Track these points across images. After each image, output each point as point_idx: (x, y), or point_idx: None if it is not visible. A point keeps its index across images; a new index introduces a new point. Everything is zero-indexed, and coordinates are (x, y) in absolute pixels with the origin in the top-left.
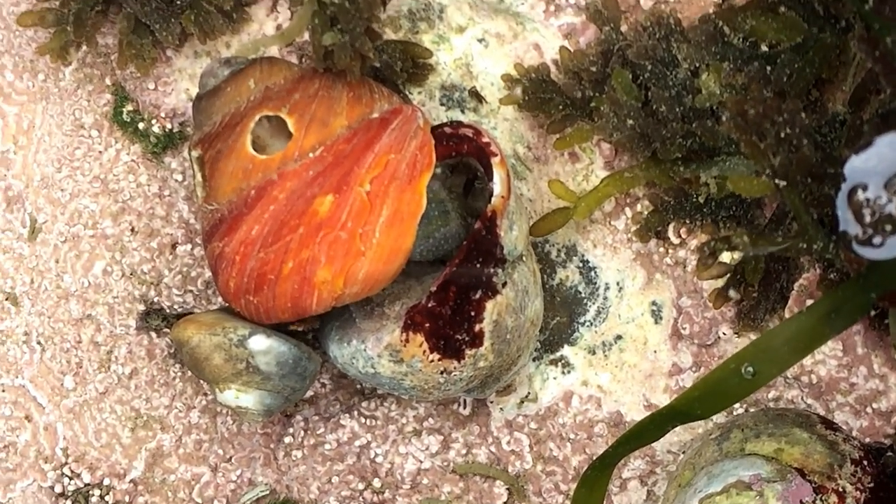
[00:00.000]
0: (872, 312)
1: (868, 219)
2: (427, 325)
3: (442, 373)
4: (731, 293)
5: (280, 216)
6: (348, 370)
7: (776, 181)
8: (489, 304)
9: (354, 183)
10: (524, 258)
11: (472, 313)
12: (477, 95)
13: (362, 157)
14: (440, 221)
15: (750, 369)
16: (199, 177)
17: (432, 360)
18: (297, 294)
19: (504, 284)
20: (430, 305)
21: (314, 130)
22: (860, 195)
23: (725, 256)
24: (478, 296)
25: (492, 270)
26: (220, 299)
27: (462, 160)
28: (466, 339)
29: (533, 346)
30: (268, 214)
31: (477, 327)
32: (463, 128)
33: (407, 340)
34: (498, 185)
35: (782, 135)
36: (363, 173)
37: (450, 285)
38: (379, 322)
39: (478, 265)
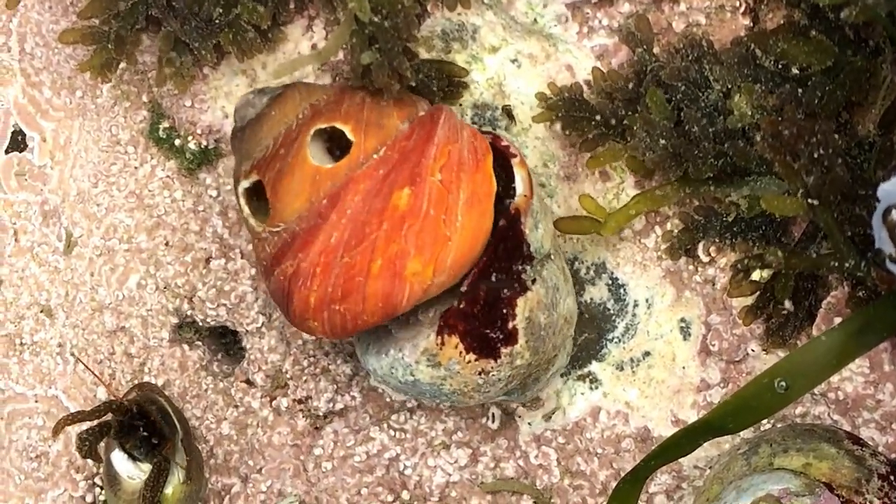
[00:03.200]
0: None
1: None
2: (461, 326)
3: (480, 373)
4: (787, 304)
5: (360, 217)
6: (389, 381)
7: (809, 200)
8: (520, 301)
9: (426, 174)
10: (552, 257)
11: (504, 311)
12: (509, 114)
13: (426, 150)
14: None
15: (783, 384)
16: (246, 210)
17: (469, 361)
18: (388, 291)
19: (534, 281)
20: (461, 307)
21: (372, 133)
22: (895, 215)
23: (756, 275)
24: (508, 293)
25: (520, 268)
26: (252, 312)
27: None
28: (501, 337)
29: (570, 347)
30: (346, 219)
31: (510, 325)
32: (484, 133)
33: (443, 343)
34: (520, 185)
35: (815, 155)
36: (432, 164)
37: (479, 284)
38: (414, 329)
39: (505, 263)
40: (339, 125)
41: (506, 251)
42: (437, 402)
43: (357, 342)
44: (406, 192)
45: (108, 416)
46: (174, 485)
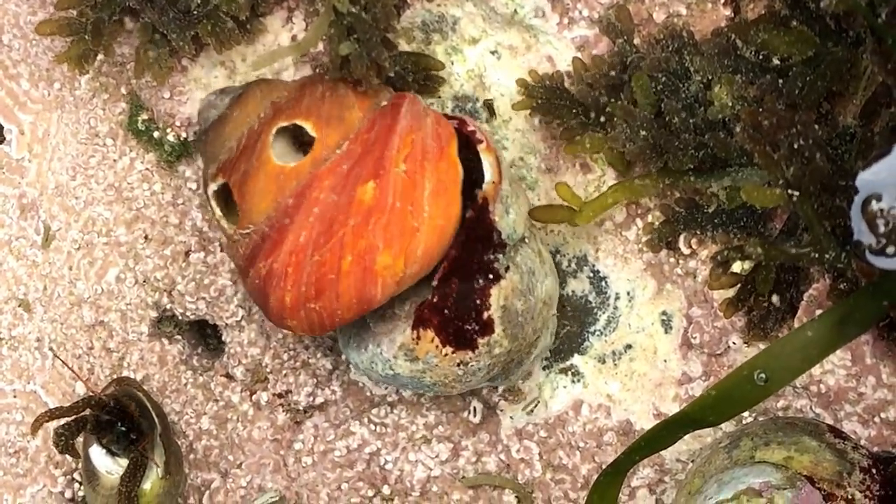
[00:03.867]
0: (881, 323)
1: (882, 229)
2: (435, 320)
3: (459, 364)
4: (774, 299)
5: (327, 214)
6: (371, 375)
7: (789, 192)
8: (494, 291)
9: (390, 165)
10: (527, 240)
11: (478, 302)
12: (490, 108)
13: (389, 141)
14: None
15: (763, 376)
16: (218, 211)
17: (446, 354)
18: (360, 286)
19: (507, 269)
20: (434, 300)
21: (334, 127)
22: (874, 205)
23: (736, 266)
24: (481, 284)
25: (492, 257)
26: (232, 305)
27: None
28: (476, 328)
29: (553, 326)
30: (313, 217)
31: (485, 315)
32: (448, 119)
33: (418, 338)
34: (488, 172)
35: (796, 146)
36: (395, 155)
37: (450, 277)
38: (391, 323)
39: (476, 254)
40: (300, 122)
41: (476, 242)
42: (422, 393)
43: (339, 335)
44: (371, 186)
45: (86, 412)
46: (153, 480)
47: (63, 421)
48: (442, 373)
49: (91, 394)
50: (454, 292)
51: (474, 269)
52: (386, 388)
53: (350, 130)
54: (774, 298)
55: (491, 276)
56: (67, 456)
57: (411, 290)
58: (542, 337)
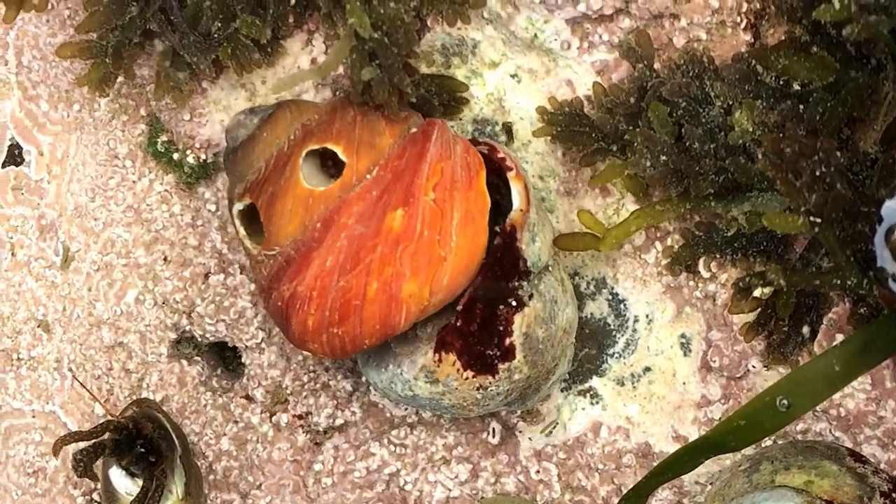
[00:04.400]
0: None
1: None
2: (458, 343)
3: (478, 389)
4: (805, 329)
5: (354, 240)
6: (389, 395)
7: (811, 219)
8: (517, 318)
9: (419, 193)
10: (550, 268)
11: (501, 328)
12: (509, 131)
13: (419, 169)
14: None
15: (785, 402)
16: (242, 231)
17: (467, 378)
18: (385, 313)
19: (531, 297)
20: (458, 324)
21: (364, 153)
22: None
23: (756, 291)
24: (505, 310)
25: (516, 284)
26: (252, 328)
27: (487, 180)
28: (498, 353)
29: (570, 354)
30: (340, 242)
31: (507, 341)
32: (478, 145)
33: (440, 361)
34: (516, 199)
35: (817, 173)
36: (424, 183)
37: (475, 302)
38: (413, 345)
39: (501, 280)
40: (331, 146)
41: (502, 268)
42: (438, 413)
43: (359, 354)
44: (399, 214)
45: (105, 436)
46: (173, 501)
47: (82, 445)
48: (461, 396)
49: (110, 417)
50: (478, 317)
51: (499, 295)
52: (406, 409)
53: (380, 156)
54: (805, 329)
55: (515, 303)
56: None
57: (434, 314)
58: (560, 364)
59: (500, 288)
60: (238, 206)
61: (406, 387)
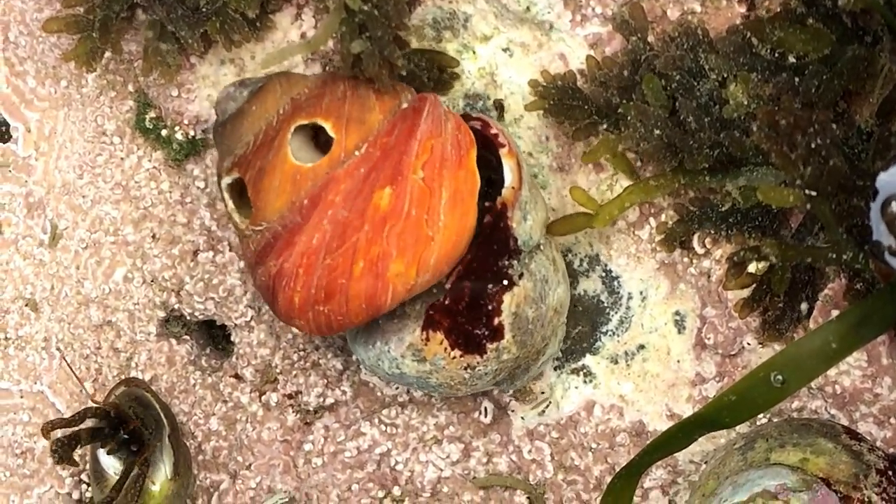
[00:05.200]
0: None
1: None
2: (446, 322)
3: (466, 368)
4: (803, 306)
5: (341, 218)
6: (376, 372)
7: (806, 192)
8: (506, 297)
9: (408, 172)
10: (542, 247)
11: (490, 307)
12: (500, 107)
13: (408, 146)
14: None
15: (779, 378)
16: (230, 204)
17: (454, 357)
18: (371, 292)
19: (521, 276)
20: (446, 303)
21: (354, 129)
22: (894, 207)
23: (751, 267)
24: (494, 289)
25: (506, 263)
26: (241, 306)
27: (480, 155)
28: (486, 333)
29: (561, 334)
30: (327, 220)
31: (496, 321)
32: (471, 120)
33: (427, 339)
34: (508, 176)
35: (813, 146)
36: (413, 161)
37: (464, 281)
38: (401, 322)
39: (491, 258)
40: (320, 121)
41: (491, 247)
42: (427, 392)
43: (347, 331)
44: (387, 192)
45: (88, 423)
46: (161, 481)
47: (59, 434)
48: (448, 375)
49: (92, 402)
50: (466, 296)
51: (488, 273)
52: (396, 389)
53: (370, 133)
54: (803, 306)
55: (505, 282)
56: (75, 456)
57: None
58: (551, 344)
59: (489, 266)
60: (227, 180)
61: (393, 364)
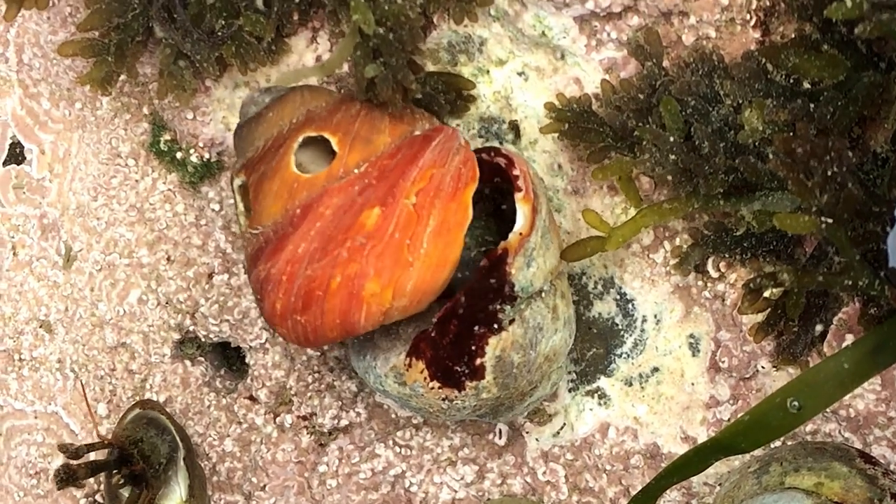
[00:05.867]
0: None
1: None
2: (429, 353)
3: (444, 399)
4: (818, 329)
5: (327, 231)
6: (365, 380)
7: (822, 219)
8: (492, 340)
9: (400, 196)
10: (544, 294)
11: (473, 348)
12: (516, 129)
13: (407, 171)
14: None
15: (795, 403)
16: (241, 206)
17: (433, 388)
18: (345, 309)
19: (511, 321)
20: (432, 335)
21: (358, 148)
22: None
23: (766, 291)
24: (480, 331)
25: (498, 307)
26: (256, 328)
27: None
28: (467, 371)
29: (557, 377)
30: (314, 231)
31: (478, 361)
32: (498, 156)
33: (410, 365)
34: (520, 221)
35: (829, 173)
36: (409, 186)
37: (451, 318)
38: (392, 342)
39: (482, 301)
40: (327, 135)
41: (484, 290)
42: (409, 410)
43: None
44: (375, 212)
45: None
46: (177, 502)
47: (63, 461)
48: (427, 402)
49: (98, 437)
50: (452, 333)
51: (476, 315)
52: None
53: (373, 153)
54: (818, 329)
55: (494, 326)
56: (91, 478)
57: (419, 315)
58: (541, 387)
59: (478, 309)
60: (237, 182)
61: (377, 381)
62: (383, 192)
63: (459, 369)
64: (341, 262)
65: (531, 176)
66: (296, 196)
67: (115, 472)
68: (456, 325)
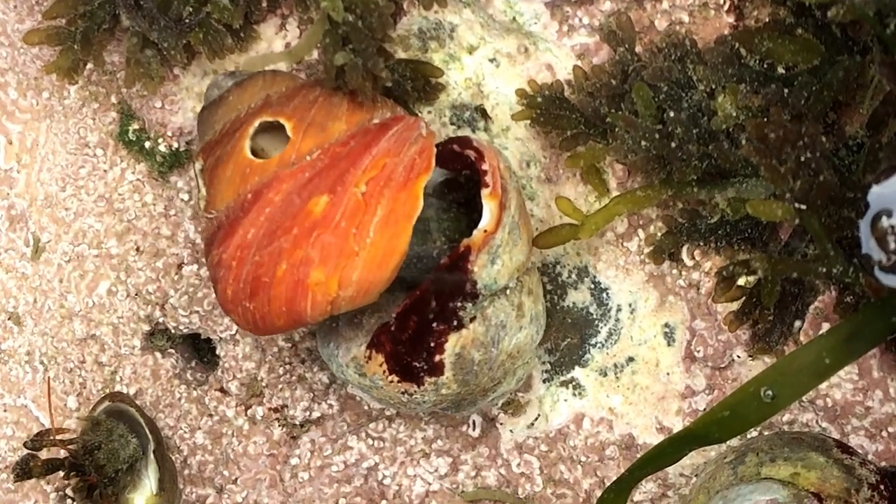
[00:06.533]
0: (890, 336)
1: (893, 245)
2: (388, 347)
3: (403, 393)
4: (798, 325)
5: (275, 218)
6: (330, 368)
7: (796, 205)
8: (452, 337)
9: (350, 184)
10: (508, 291)
11: (432, 344)
12: (483, 113)
13: (359, 160)
14: (417, 240)
15: (769, 393)
16: (202, 191)
17: (391, 381)
18: (291, 297)
19: (472, 319)
20: (392, 329)
21: (312, 134)
22: (885, 222)
23: (741, 280)
24: (439, 328)
25: (458, 304)
26: (226, 320)
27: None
28: (425, 367)
29: (522, 373)
30: (263, 217)
31: (437, 358)
32: (468, 149)
33: (370, 358)
34: (486, 218)
35: (802, 159)
36: (359, 175)
37: (411, 314)
38: (353, 332)
39: (442, 298)
40: (282, 120)
41: (444, 287)
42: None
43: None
44: (323, 200)
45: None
46: (146, 497)
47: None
48: (387, 394)
49: (56, 437)
50: (411, 329)
51: (436, 312)
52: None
53: (327, 140)
54: (797, 324)
55: (453, 323)
56: (59, 472)
57: (383, 304)
58: (505, 383)
59: (438, 306)
60: (198, 165)
61: (339, 370)
62: (333, 179)
63: (418, 365)
64: (287, 248)
65: (501, 170)
66: (248, 181)
67: (68, 477)
68: (416, 321)
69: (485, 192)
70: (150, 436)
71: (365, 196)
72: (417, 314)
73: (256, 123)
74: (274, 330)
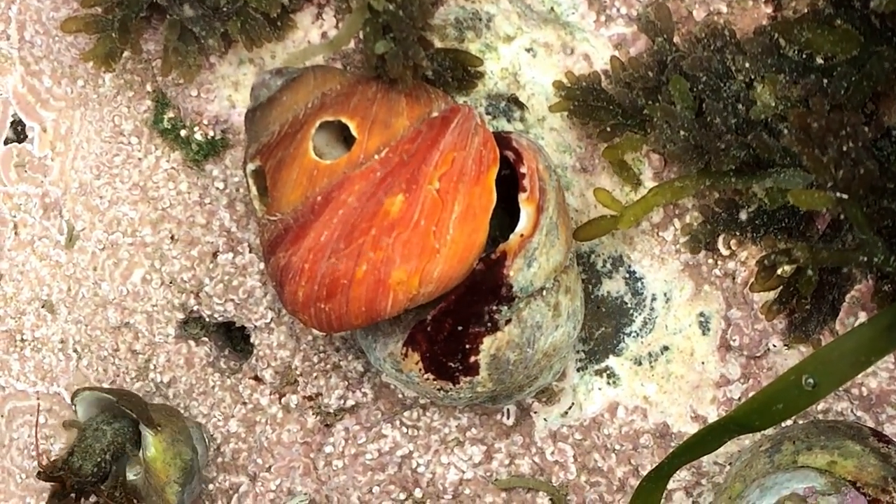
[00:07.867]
0: None
1: None
2: (424, 346)
3: (439, 390)
4: (838, 326)
5: (351, 219)
6: (368, 358)
7: (838, 195)
8: (487, 340)
9: (424, 181)
10: (545, 291)
11: (468, 346)
12: (517, 102)
13: (429, 156)
14: None
15: (811, 381)
16: (254, 190)
17: (427, 378)
18: (371, 297)
19: (508, 321)
20: (428, 329)
21: (377, 132)
22: None
23: (779, 269)
24: (475, 330)
25: (494, 307)
26: (261, 308)
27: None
28: (461, 367)
29: (558, 368)
30: (337, 219)
31: (472, 359)
32: (507, 149)
33: (406, 355)
34: (522, 222)
35: (845, 148)
36: (431, 171)
37: (446, 317)
38: (392, 327)
39: (478, 301)
40: (345, 120)
41: (480, 291)
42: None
43: None
44: (399, 199)
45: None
46: (153, 444)
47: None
48: (423, 390)
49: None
50: (446, 330)
51: (471, 315)
52: None
53: (393, 137)
54: (837, 325)
55: (489, 325)
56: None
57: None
58: (541, 378)
59: (473, 309)
60: (250, 167)
61: (377, 362)
62: (406, 178)
63: (453, 365)
64: (367, 249)
65: (540, 171)
66: (316, 183)
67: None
68: (451, 323)
69: (522, 196)
70: (126, 410)
71: (440, 193)
72: (453, 317)
73: (317, 124)
74: (349, 328)
